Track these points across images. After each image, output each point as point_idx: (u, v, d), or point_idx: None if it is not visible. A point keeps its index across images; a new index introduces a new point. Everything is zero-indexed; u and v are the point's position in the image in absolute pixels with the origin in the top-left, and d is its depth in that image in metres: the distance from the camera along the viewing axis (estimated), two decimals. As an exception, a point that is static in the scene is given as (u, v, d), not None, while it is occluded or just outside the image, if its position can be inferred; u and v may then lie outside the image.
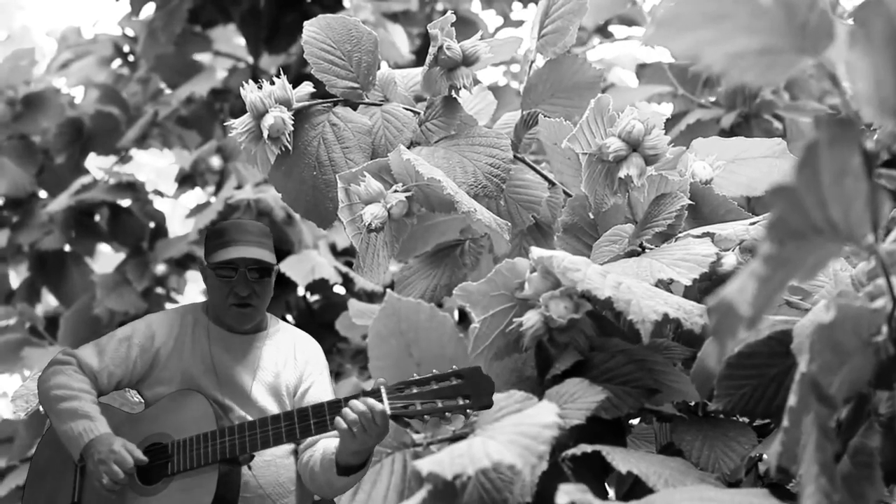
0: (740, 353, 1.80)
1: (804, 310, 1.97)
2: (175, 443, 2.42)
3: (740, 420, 2.01)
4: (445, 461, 1.62)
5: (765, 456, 1.99)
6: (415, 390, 2.06)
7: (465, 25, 6.23)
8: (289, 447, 2.51)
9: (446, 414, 2.04)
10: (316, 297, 5.91)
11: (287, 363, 2.57)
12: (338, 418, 2.15)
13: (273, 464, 2.48)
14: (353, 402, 2.13)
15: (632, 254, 2.10)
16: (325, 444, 2.38)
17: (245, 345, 2.58)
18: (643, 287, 1.86)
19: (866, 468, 1.47)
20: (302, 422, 2.31)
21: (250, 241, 2.57)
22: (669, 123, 3.97)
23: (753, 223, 2.03)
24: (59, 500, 2.50)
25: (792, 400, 1.30)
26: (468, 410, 2.02)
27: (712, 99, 4.18)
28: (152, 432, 2.48)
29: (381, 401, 2.10)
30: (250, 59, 6.38)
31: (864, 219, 1.15)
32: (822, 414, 1.25)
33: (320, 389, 2.54)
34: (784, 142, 2.38)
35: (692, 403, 2.08)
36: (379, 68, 2.44)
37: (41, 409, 2.65)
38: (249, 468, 2.44)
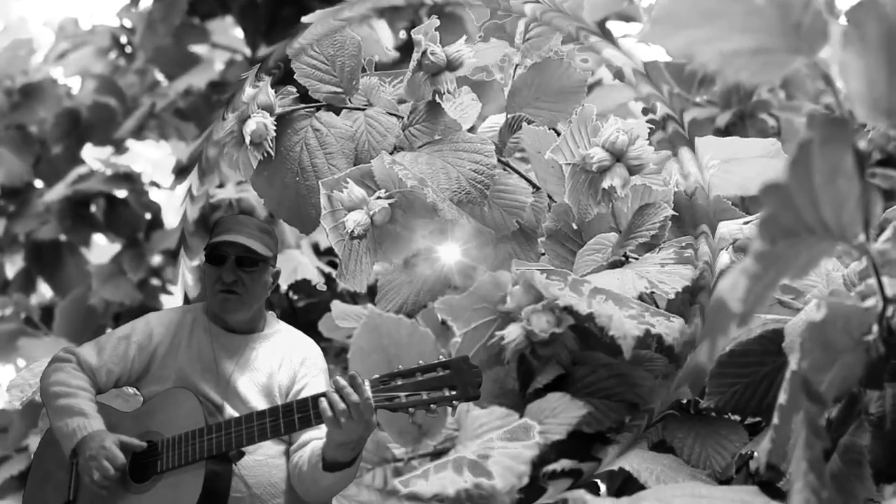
0: (732, 351, 1.81)
1: (796, 309, 1.98)
2: (164, 441, 2.42)
3: (732, 418, 2.01)
4: (425, 480, 1.62)
5: (756, 453, 2.00)
6: (399, 382, 2.04)
7: (452, 22, 6.20)
8: (281, 447, 2.50)
9: (432, 406, 2.02)
10: (299, 297, 5.89)
11: (282, 364, 2.56)
12: (324, 404, 2.14)
13: (265, 464, 2.46)
14: (344, 390, 2.12)
15: (615, 263, 2.09)
16: (314, 444, 2.37)
17: (240, 344, 2.57)
18: (625, 300, 1.85)
19: (856, 466, 1.49)
20: (286, 417, 2.30)
21: (242, 231, 2.57)
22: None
23: (747, 222, 2.03)
24: (56, 499, 2.51)
25: (782, 398, 1.31)
26: (454, 402, 2.00)
27: (707, 97, 4.19)
28: (143, 430, 2.48)
29: None
30: (248, 52, 6.38)
31: (855, 218, 1.15)
32: (812, 412, 1.25)
33: (313, 391, 2.50)
34: (779, 142, 2.38)
35: (684, 401, 2.09)
36: (364, 71, 2.42)
37: (37, 398, 2.66)
38: (236, 466, 2.43)
